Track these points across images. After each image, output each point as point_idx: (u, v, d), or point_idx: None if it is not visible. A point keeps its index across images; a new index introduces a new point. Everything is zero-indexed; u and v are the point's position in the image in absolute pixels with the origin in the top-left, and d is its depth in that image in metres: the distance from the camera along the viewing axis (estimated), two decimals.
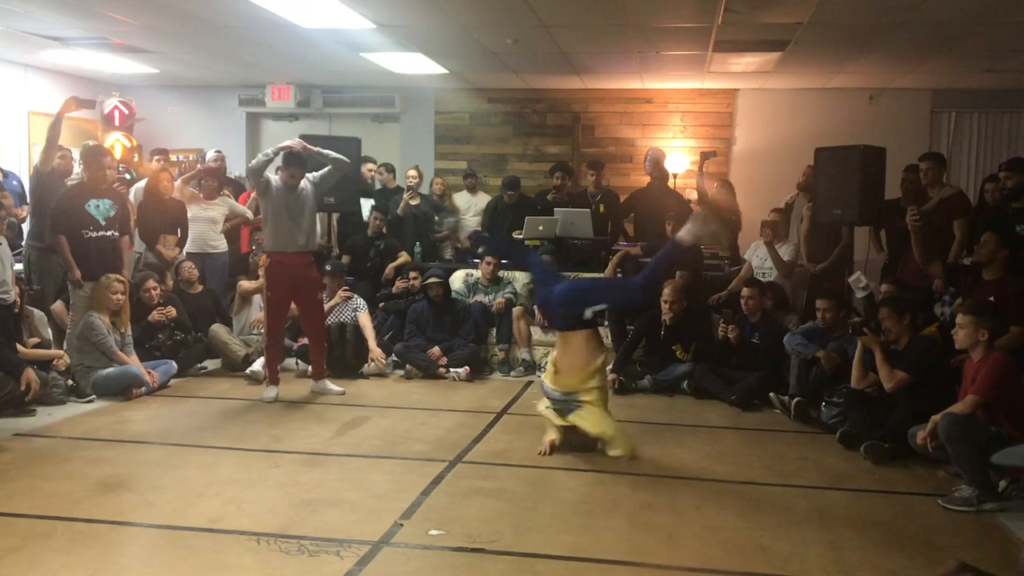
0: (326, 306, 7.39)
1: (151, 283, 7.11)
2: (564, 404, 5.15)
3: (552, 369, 5.28)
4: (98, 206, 6.58)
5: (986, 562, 3.67)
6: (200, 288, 7.74)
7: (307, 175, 6.39)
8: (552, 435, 5.19)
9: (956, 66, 8.43)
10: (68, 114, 6.73)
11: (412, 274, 7.99)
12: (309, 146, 6.37)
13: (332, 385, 6.60)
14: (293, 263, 6.31)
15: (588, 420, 5.06)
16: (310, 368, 7.25)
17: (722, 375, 6.66)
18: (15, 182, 8.38)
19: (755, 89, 10.05)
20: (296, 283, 6.37)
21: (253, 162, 6.24)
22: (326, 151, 6.43)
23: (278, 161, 6.38)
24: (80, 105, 6.76)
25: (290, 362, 7.38)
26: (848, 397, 5.59)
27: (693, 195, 9.67)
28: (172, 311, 7.15)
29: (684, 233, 5.14)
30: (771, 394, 6.29)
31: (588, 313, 5.17)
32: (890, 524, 4.10)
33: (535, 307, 7.73)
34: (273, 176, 6.32)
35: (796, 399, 6.07)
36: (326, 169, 6.46)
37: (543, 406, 5.30)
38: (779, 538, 3.86)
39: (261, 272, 6.99)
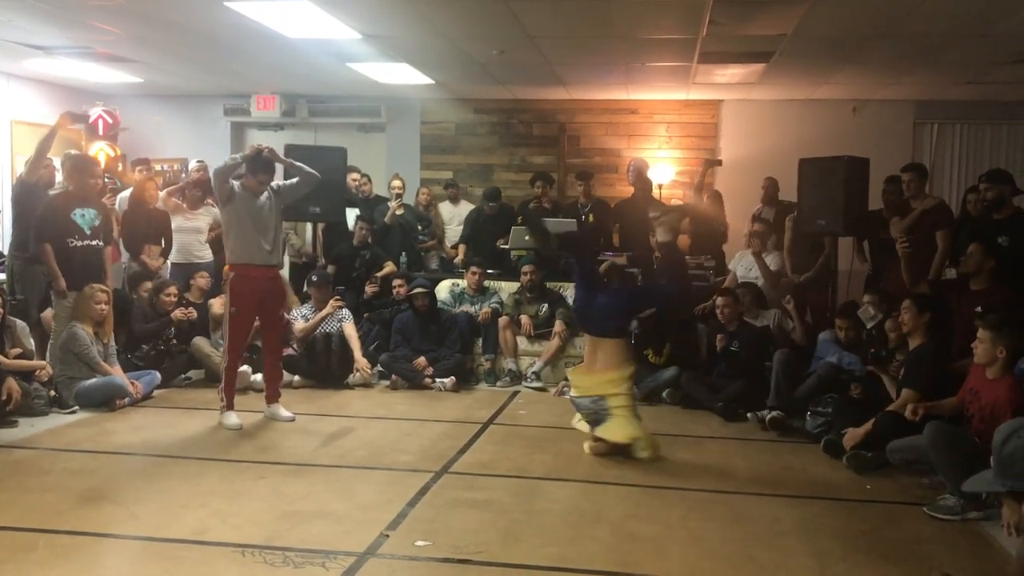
0: (316, 317, 7.38)
1: (172, 289, 7.20)
2: (594, 415, 5.25)
3: (578, 372, 5.46)
4: (83, 215, 6.53)
5: (970, 571, 3.71)
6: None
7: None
8: (591, 440, 5.35)
9: (938, 78, 8.52)
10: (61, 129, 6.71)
11: (397, 282, 7.98)
12: (279, 156, 6.03)
13: (284, 411, 6.13)
14: (259, 276, 5.92)
15: (614, 430, 5.18)
16: (295, 378, 7.26)
17: (709, 383, 6.67)
18: None
19: (740, 100, 10.11)
20: (262, 297, 5.98)
21: (220, 166, 5.84)
22: (298, 163, 6.11)
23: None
24: (74, 121, 6.74)
25: None
26: (837, 405, 5.61)
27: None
28: (193, 313, 7.21)
29: (660, 235, 5.47)
30: (748, 414, 6.31)
31: (634, 324, 5.27)
32: (875, 533, 4.11)
33: (520, 316, 7.75)
34: (235, 182, 5.93)
35: (770, 416, 6.07)
36: (294, 180, 6.09)
37: (576, 420, 5.47)
38: (765, 548, 3.87)
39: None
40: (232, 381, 6.01)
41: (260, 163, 5.87)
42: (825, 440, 5.44)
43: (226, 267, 6.06)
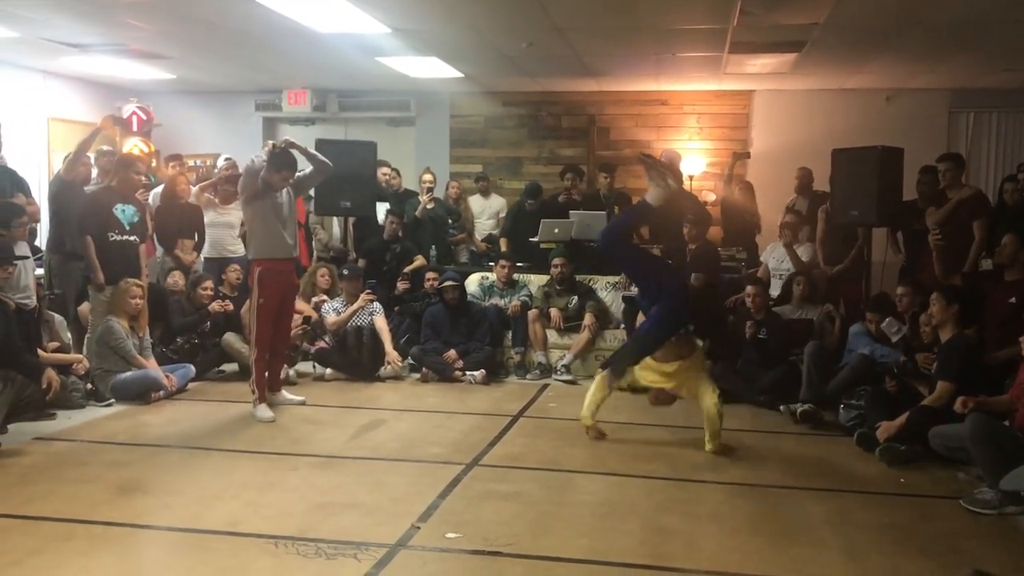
0: (348, 310, 7.42)
1: (209, 283, 7.36)
2: None
3: None
4: (124, 211, 6.65)
5: (1006, 566, 3.66)
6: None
7: None
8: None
9: (974, 66, 8.38)
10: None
11: (431, 275, 8.01)
12: (296, 144, 6.04)
13: (290, 395, 6.38)
14: (284, 268, 6.09)
15: None
16: (327, 371, 7.34)
17: (743, 375, 6.62)
18: None
19: (771, 90, 10.02)
20: (285, 289, 6.13)
21: (248, 166, 5.91)
22: (312, 151, 6.18)
23: None
24: (116, 124, 6.87)
25: (306, 366, 7.41)
26: (870, 397, 5.55)
27: (710, 197, 9.66)
28: (230, 305, 7.31)
29: (650, 198, 5.32)
30: (780, 407, 6.25)
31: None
32: (909, 527, 4.07)
33: (549, 309, 7.73)
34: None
35: (802, 409, 6.00)
36: (309, 170, 6.18)
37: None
38: (797, 541, 3.84)
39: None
40: (262, 373, 6.07)
41: (282, 159, 5.91)
42: (858, 433, 5.38)
43: (251, 265, 6.15)
